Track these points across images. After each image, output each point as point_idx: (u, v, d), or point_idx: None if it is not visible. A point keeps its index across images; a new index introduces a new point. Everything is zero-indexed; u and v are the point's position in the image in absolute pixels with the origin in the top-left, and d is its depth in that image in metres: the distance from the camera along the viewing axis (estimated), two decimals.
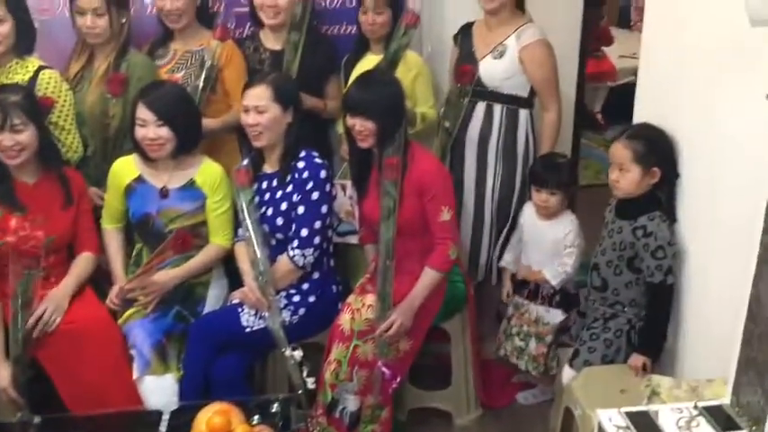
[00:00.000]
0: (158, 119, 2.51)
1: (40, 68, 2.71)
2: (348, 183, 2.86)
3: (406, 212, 2.55)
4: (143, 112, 2.52)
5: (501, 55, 2.86)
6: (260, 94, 2.54)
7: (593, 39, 4.98)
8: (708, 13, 2.13)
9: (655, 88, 2.47)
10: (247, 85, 2.61)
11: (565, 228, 2.79)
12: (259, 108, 2.53)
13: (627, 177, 2.34)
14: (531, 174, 2.86)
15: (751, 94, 1.84)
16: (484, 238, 3.02)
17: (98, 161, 2.81)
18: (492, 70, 2.88)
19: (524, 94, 2.92)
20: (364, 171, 2.66)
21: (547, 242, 2.82)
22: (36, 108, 2.52)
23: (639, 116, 2.53)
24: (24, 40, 2.74)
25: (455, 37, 3.03)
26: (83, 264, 2.63)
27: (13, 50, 2.71)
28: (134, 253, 2.73)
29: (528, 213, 2.88)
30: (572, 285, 2.85)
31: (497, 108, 2.90)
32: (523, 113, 2.93)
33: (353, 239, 2.96)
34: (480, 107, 2.92)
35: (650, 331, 2.38)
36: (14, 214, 2.48)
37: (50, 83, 2.70)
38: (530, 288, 2.87)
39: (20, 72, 2.70)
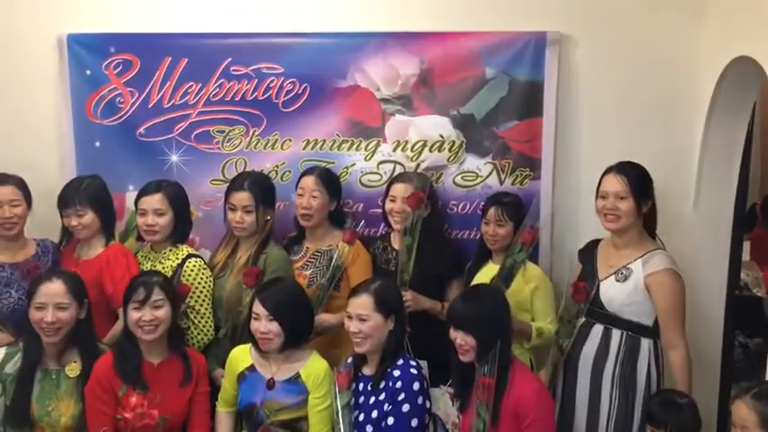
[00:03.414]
0: (270, 314, 2.66)
1: (189, 256, 3.01)
2: None
3: None
4: (257, 307, 2.69)
5: (625, 278, 2.71)
6: (362, 304, 2.63)
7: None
8: None
9: None
10: (351, 293, 2.71)
11: None
12: (361, 316, 2.61)
13: None
14: (649, 412, 2.60)
15: None
16: None
17: (228, 345, 2.95)
18: (612, 293, 2.73)
19: (648, 322, 2.72)
20: (467, 384, 2.60)
21: None
22: (172, 291, 2.79)
23: None
24: (180, 231, 3.08)
25: (580, 252, 2.95)
26: None
27: (169, 238, 3.06)
28: None
29: None
30: None
31: (616, 333, 2.72)
32: (646, 343, 2.71)
33: None
34: (597, 329, 2.75)
35: None
36: (137, 391, 2.68)
37: (194, 270, 2.98)
38: None
39: (171, 258, 3.02)
